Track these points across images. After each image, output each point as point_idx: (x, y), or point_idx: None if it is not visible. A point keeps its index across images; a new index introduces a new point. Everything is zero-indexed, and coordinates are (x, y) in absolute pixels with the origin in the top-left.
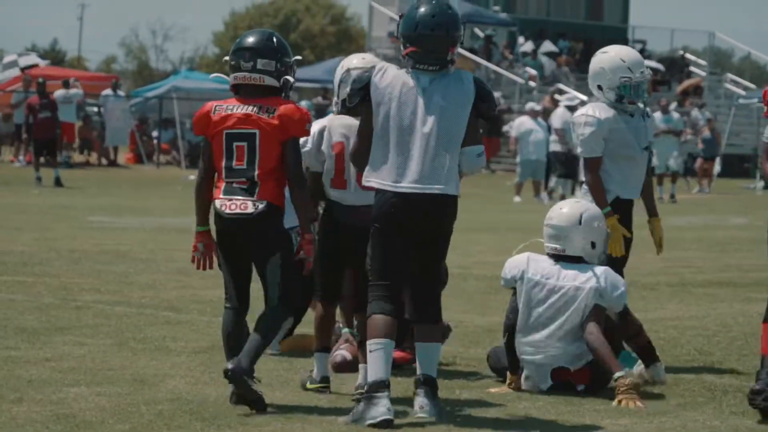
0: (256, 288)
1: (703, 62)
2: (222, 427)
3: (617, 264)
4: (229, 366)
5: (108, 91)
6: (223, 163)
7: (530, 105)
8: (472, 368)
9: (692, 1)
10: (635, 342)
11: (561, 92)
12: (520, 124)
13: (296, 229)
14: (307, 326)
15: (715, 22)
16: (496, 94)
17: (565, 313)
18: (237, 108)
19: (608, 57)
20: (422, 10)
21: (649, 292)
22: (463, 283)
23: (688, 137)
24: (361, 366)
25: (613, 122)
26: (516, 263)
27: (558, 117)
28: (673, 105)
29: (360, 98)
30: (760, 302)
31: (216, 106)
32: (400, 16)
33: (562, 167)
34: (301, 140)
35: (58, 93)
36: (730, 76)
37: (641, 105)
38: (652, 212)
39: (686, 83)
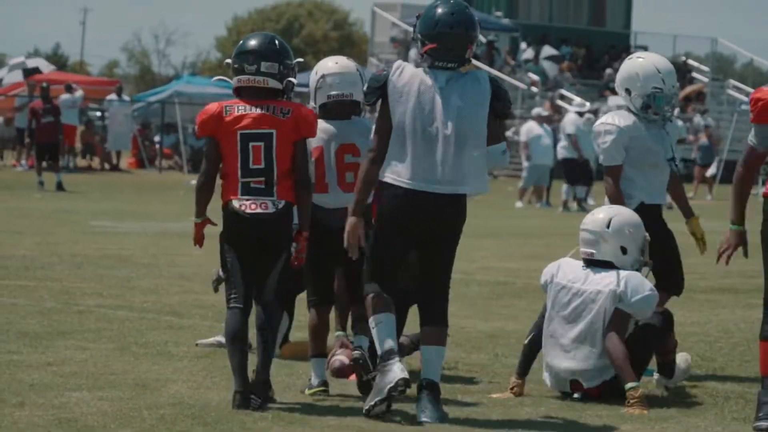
0: None
1: (705, 68)
2: None
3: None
4: (237, 388)
5: (112, 96)
6: (239, 163)
7: (537, 110)
8: (474, 374)
9: (695, 7)
10: (662, 358)
11: (563, 97)
12: (529, 130)
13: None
14: (304, 331)
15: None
16: None
17: (587, 317)
18: (250, 108)
19: (643, 63)
20: (442, 9)
21: None
22: (465, 288)
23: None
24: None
25: (634, 130)
26: (549, 268)
27: (570, 123)
28: (676, 111)
29: (377, 96)
30: (762, 309)
31: (226, 106)
32: (418, 16)
33: (573, 174)
34: None
35: (64, 98)
36: (732, 82)
37: (666, 117)
38: (687, 213)
39: (689, 89)
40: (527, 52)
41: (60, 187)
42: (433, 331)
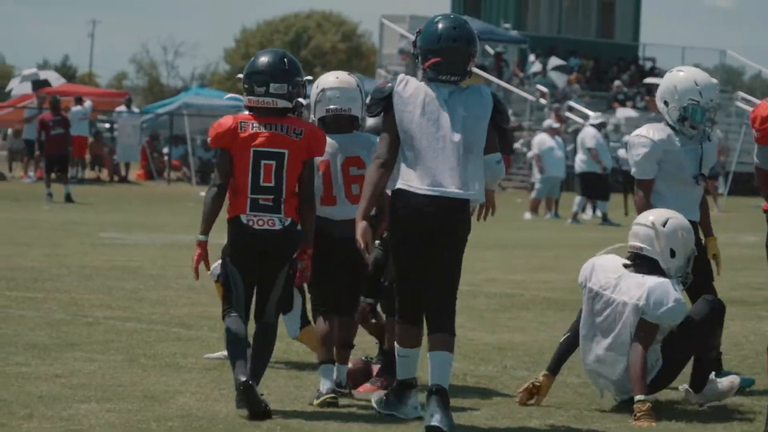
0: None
1: (714, 80)
2: None
3: (697, 283)
4: (242, 378)
5: (121, 107)
6: (249, 180)
7: (548, 122)
8: (482, 386)
9: (703, 19)
10: (700, 352)
11: (571, 109)
12: (541, 142)
13: None
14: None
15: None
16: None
17: (616, 328)
18: (263, 126)
19: (682, 76)
20: (443, 24)
21: None
22: (472, 300)
23: None
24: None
25: (668, 144)
26: (583, 270)
27: (590, 137)
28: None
29: (381, 108)
30: None
31: (241, 122)
32: (418, 32)
33: (590, 188)
34: None
35: (75, 109)
36: (741, 94)
37: (704, 131)
38: (707, 232)
39: None
40: (536, 65)
41: (69, 198)
42: (441, 338)
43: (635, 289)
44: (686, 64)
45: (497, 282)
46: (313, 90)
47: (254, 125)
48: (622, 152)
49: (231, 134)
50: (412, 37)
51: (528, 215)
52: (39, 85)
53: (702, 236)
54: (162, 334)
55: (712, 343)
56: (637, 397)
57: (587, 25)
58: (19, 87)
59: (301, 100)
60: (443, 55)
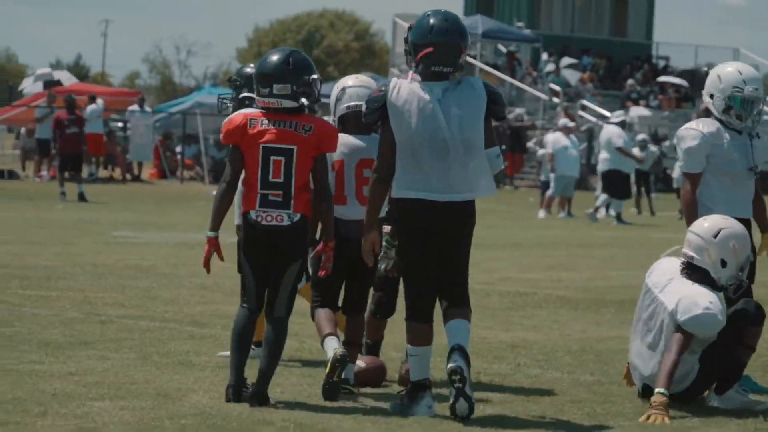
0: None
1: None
2: None
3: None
4: (250, 393)
5: (134, 107)
6: (259, 176)
7: (563, 121)
8: (496, 383)
9: (717, 17)
10: (728, 364)
11: (584, 108)
12: (555, 141)
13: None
14: (311, 339)
15: (739, 38)
16: (520, 110)
17: (655, 327)
18: (272, 123)
19: (727, 69)
20: (435, 18)
21: None
22: (486, 299)
23: None
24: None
25: (717, 137)
26: (652, 266)
27: (617, 136)
28: None
29: (376, 117)
30: None
31: (251, 119)
32: (409, 27)
33: (614, 187)
34: None
35: (91, 109)
36: None
37: (750, 123)
38: (763, 227)
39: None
40: (549, 65)
41: (82, 197)
42: (459, 311)
43: (675, 294)
44: (699, 63)
45: (510, 281)
46: (334, 91)
47: (263, 122)
48: (635, 150)
49: (241, 131)
50: None
51: (542, 213)
52: (51, 84)
53: (758, 234)
54: (175, 332)
55: (745, 339)
56: (657, 389)
57: (600, 23)
58: (32, 86)
59: (304, 100)
60: (435, 46)
